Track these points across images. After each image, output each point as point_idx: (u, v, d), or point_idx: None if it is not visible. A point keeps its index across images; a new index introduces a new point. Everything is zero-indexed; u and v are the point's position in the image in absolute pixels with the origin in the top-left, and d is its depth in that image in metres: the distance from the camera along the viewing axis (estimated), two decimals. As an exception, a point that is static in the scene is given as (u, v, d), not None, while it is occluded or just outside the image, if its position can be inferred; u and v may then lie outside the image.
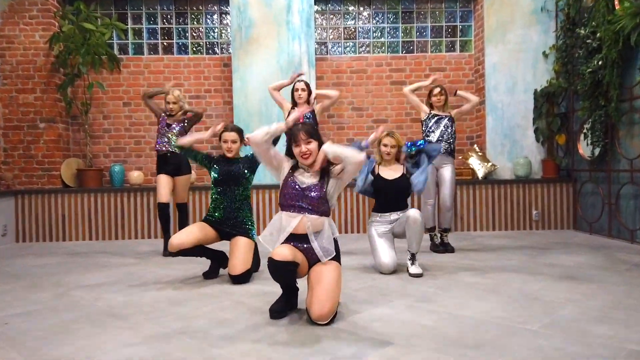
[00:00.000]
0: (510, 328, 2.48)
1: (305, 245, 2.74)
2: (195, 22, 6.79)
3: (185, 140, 3.84)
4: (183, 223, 5.00)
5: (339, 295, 2.69)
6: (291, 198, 2.75)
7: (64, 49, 6.04)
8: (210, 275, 3.77)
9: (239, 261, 3.56)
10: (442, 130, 4.73)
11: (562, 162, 6.20)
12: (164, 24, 6.78)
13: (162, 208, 4.85)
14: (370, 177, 3.95)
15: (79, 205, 6.04)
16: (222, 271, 3.89)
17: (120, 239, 6.04)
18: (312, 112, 4.84)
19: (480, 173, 6.25)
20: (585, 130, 5.68)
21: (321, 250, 2.72)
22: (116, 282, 3.71)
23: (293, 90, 4.81)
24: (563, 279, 3.53)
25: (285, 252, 2.59)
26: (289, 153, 2.88)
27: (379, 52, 6.88)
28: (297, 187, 2.77)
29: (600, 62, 5.22)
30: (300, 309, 2.86)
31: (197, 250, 3.64)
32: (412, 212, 3.68)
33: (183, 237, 3.54)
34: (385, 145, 3.99)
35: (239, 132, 3.85)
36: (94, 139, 6.64)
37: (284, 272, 2.63)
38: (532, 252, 4.62)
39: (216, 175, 3.76)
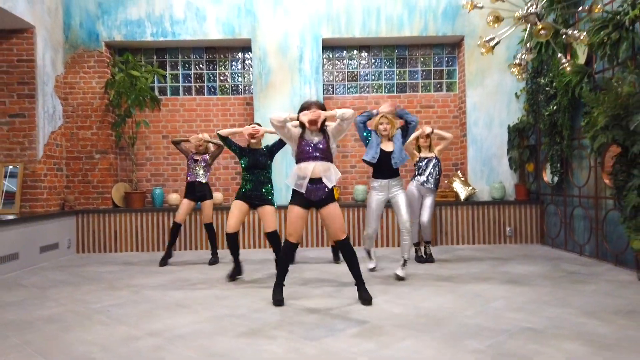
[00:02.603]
0: (452, 314, 3.67)
1: (317, 186, 3.92)
2: (222, 68, 8.09)
3: (225, 131, 5.09)
4: (213, 240, 6.24)
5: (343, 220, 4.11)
6: (308, 152, 3.92)
7: (115, 93, 7.35)
8: (233, 277, 5.08)
9: (270, 223, 5.06)
10: (430, 170, 5.92)
11: (531, 187, 7.36)
12: (196, 69, 8.08)
13: (177, 226, 6.12)
14: (377, 149, 4.97)
15: (127, 222, 7.31)
16: (244, 277, 5.13)
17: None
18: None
19: (462, 195, 7.42)
20: (548, 161, 6.84)
21: (329, 183, 3.92)
22: (172, 284, 4.95)
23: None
24: (507, 282, 4.70)
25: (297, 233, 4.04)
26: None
27: (377, 92, 8.11)
28: (310, 144, 3.94)
29: (555, 107, 6.40)
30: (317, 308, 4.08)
31: (237, 245, 5.08)
32: (406, 222, 4.93)
33: (233, 222, 4.98)
34: (382, 124, 5.06)
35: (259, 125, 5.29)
36: (138, 166, 7.93)
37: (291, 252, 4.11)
38: (495, 263, 5.78)
39: (245, 164, 5.10)
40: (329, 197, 4.01)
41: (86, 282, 5.12)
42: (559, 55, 4.88)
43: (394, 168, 5.02)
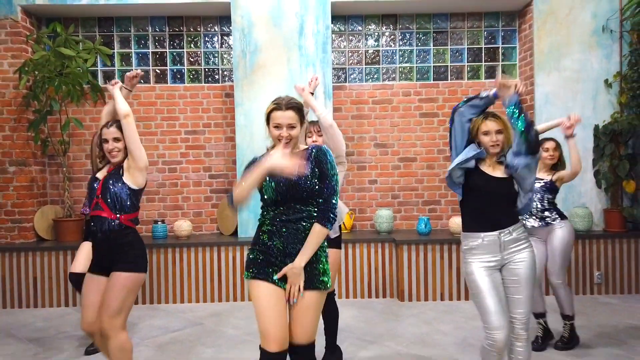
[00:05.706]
0: None
1: None
2: (192, 46, 5.83)
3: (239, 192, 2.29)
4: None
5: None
6: None
7: (37, 80, 5.12)
8: None
9: (310, 327, 2.31)
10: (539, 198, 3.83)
11: (631, 214, 5.16)
12: (156, 47, 5.83)
13: (78, 279, 3.58)
14: (472, 163, 2.60)
15: (53, 264, 5.10)
16: None
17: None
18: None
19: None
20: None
21: None
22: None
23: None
24: None
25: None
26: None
27: (406, 79, 5.88)
28: None
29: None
30: None
31: None
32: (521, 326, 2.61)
33: (282, 334, 2.23)
34: (487, 134, 2.58)
35: (300, 111, 2.33)
36: (74, 181, 5.70)
37: None
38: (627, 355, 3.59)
39: (272, 193, 2.31)
40: None
41: None
42: None
43: (510, 208, 2.66)
